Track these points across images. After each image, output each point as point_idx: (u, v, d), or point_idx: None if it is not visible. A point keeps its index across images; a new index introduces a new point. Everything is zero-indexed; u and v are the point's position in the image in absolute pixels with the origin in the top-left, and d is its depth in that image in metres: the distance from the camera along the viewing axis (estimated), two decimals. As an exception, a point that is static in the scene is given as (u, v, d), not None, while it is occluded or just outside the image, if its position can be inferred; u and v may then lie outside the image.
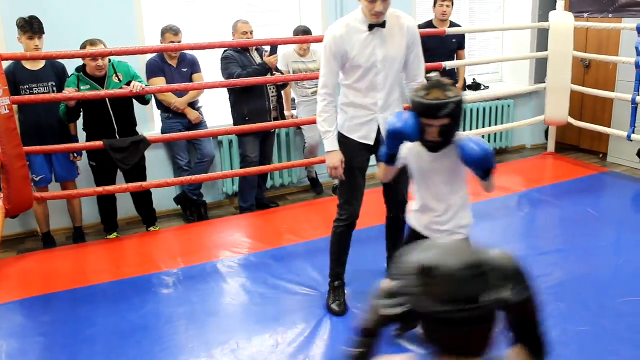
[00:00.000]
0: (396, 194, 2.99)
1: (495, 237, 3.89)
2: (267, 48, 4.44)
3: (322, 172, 5.33)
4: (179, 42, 4.30)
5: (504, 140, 6.30)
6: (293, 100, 5.05)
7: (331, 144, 2.85)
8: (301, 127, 4.99)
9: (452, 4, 5.04)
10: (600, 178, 5.17)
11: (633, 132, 5.02)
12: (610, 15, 5.22)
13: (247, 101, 4.42)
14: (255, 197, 4.70)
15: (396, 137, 2.30)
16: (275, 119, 4.60)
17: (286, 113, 4.86)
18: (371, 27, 2.75)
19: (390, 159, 2.42)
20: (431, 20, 5.12)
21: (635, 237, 3.89)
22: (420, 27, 4.61)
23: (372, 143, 2.89)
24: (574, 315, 2.92)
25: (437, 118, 2.16)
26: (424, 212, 2.48)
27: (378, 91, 2.82)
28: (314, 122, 4.68)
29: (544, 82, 5.60)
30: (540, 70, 6.05)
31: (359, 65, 2.77)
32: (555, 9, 5.50)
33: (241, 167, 4.56)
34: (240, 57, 4.40)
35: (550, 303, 3.04)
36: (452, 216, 2.43)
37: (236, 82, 4.25)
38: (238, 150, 4.72)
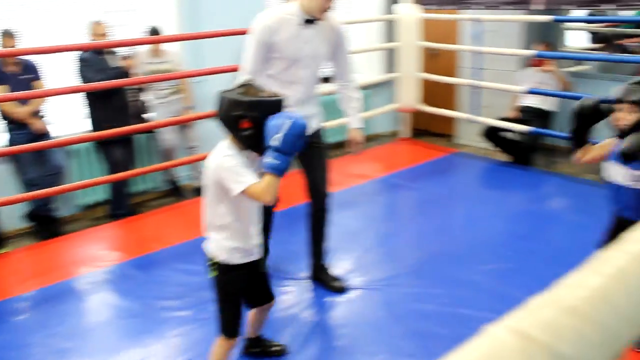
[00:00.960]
0: (319, 184, 3.06)
1: (357, 224, 4.02)
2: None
3: (181, 175, 5.20)
4: (12, 46, 3.96)
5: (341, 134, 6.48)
6: (148, 103, 4.86)
7: None
8: (157, 130, 4.80)
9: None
10: (450, 159, 5.53)
11: (476, 114, 5.42)
12: (451, 7, 5.56)
13: (105, 106, 4.21)
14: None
15: (302, 137, 2.00)
16: (136, 123, 4.43)
17: (144, 116, 4.70)
18: (306, 22, 2.82)
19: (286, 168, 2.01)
20: None
21: (483, 209, 4.21)
22: None
23: None
24: (433, 289, 3.09)
25: None
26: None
27: (299, 85, 2.90)
28: (173, 124, 4.59)
29: (395, 72, 5.87)
30: (392, 60, 6.33)
31: (286, 57, 2.83)
32: (401, 1, 5.77)
33: (112, 174, 4.34)
34: (96, 60, 4.16)
35: (412, 282, 3.21)
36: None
37: (87, 87, 4.00)
38: (99, 158, 4.47)
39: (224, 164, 2.00)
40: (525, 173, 5.07)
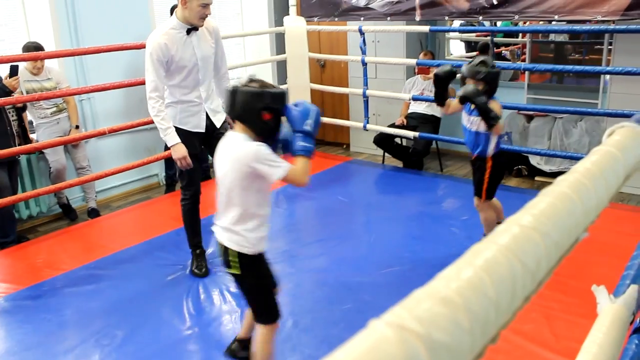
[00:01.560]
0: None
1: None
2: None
3: (73, 196, 4.97)
4: None
5: None
6: (31, 123, 4.60)
7: (173, 138, 3.16)
8: (44, 151, 4.55)
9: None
10: (346, 167, 5.66)
11: (367, 122, 5.59)
12: (336, 19, 5.72)
13: None
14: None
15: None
16: (20, 145, 4.19)
17: (31, 136, 4.45)
18: (188, 31, 3.14)
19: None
20: None
21: (380, 215, 4.34)
22: None
23: (203, 130, 3.34)
24: (338, 296, 3.15)
25: None
26: None
27: (200, 85, 3.28)
28: (57, 144, 4.37)
29: (286, 83, 5.94)
30: (282, 72, 6.40)
31: (184, 65, 3.17)
32: (288, 14, 5.86)
33: None
34: None
35: (316, 289, 3.25)
36: None
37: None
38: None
39: (259, 153, 2.03)
40: (418, 177, 5.29)
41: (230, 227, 2.14)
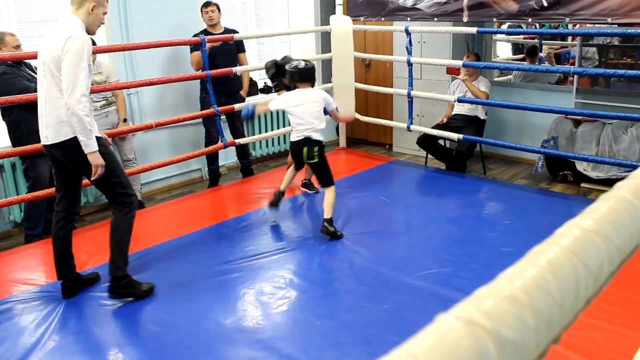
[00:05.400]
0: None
1: (299, 233, 4.05)
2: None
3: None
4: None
5: (282, 144, 6.51)
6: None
7: (95, 145, 2.96)
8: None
9: (218, 9, 5.13)
10: (388, 167, 5.64)
11: (411, 123, 5.56)
12: (383, 19, 5.71)
13: (35, 117, 4.05)
14: (45, 220, 4.30)
15: None
16: None
17: None
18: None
19: None
20: (205, 29, 5.16)
21: (422, 216, 4.32)
22: (196, 35, 4.97)
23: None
24: (376, 296, 3.15)
25: None
26: None
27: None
28: (108, 137, 4.47)
29: (331, 82, 5.95)
30: (327, 71, 6.42)
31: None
32: (335, 14, 5.87)
33: (33, 190, 4.13)
34: (18, 71, 4.02)
35: (355, 287, 3.26)
36: None
37: (13, 99, 3.82)
38: (23, 172, 4.27)
39: (329, 96, 4.12)
40: (461, 179, 5.24)
41: (320, 129, 3.93)
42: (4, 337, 2.93)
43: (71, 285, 3.29)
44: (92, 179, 3.03)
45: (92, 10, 2.99)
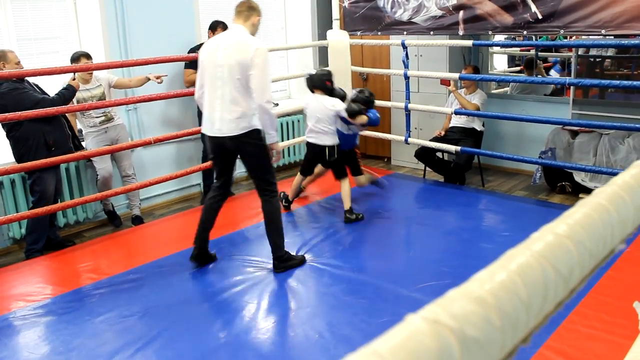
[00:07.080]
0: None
1: (296, 246, 4.05)
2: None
3: (118, 204, 5.11)
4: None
5: (297, 154, 6.58)
6: (80, 131, 4.76)
7: (277, 136, 3.55)
8: (91, 159, 4.71)
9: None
10: (386, 180, 5.65)
11: (409, 136, 5.59)
12: (379, 33, 5.75)
13: (49, 130, 4.10)
14: (47, 236, 4.32)
15: None
16: (75, 146, 4.47)
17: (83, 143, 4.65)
18: None
19: None
20: (202, 42, 5.19)
21: (420, 229, 4.33)
22: (192, 49, 5.11)
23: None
24: (375, 309, 3.15)
25: None
26: None
27: None
28: (105, 153, 4.51)
29: (329, 96, 5.98)
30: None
31: None
32: (332, 28, 5.92)
33: (38, 205, 4.13)
34: (24, 86, 4.08)
35: (354, 300, 3.26)
36: None
37: (12, 115, 3.83)
38: (29, 186, 4.25)
39: (337, 104, 4.48)
40: (459, 192, 5.25)
41: (326, 137, 4.46)
42: (3, 354, 2.93)
43: (200, 253, 3.76)
44: (258, 163, 3.55)
45: (256, 22, 3.54)
